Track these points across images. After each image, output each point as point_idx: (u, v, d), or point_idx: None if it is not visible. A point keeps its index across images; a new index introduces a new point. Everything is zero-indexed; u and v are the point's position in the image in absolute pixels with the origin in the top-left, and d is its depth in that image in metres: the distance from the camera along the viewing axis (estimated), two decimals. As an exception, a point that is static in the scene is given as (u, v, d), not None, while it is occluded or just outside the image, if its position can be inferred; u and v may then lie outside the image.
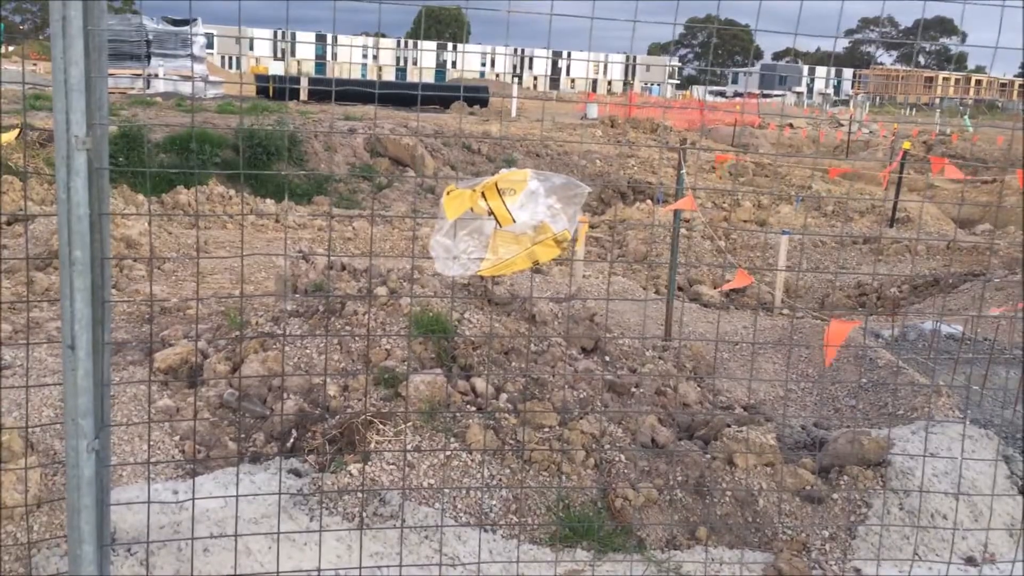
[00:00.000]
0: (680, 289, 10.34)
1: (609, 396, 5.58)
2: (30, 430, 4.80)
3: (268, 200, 14.85)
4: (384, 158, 19.30)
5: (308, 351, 5.65)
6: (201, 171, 14.51)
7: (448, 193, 2.67)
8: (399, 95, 37.31)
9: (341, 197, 16.83)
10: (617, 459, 4.95)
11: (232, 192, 14.39)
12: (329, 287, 6.16)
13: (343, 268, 6.59)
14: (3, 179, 12.65)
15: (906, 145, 16.44)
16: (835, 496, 4.82)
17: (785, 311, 9.93)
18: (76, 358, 2.40)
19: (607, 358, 5.98)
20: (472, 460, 4.86)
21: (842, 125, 40.42)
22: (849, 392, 6.49)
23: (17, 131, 14.57)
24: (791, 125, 40.08)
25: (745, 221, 15.57)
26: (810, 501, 4.81)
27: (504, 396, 5.32)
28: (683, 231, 11.56)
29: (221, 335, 6.28)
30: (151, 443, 4.96)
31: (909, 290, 10.09)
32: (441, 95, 38.14)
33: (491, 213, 2.69)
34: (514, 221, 2.67)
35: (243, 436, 5.15)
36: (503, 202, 2.66)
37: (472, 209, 2.70)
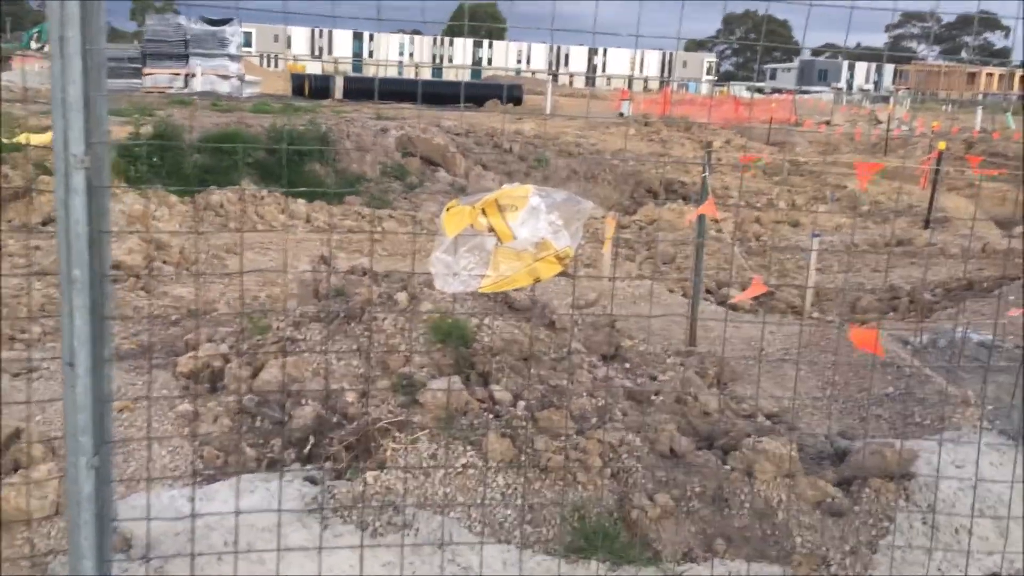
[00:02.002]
0: (709, 292, 10.25)
1: (628, 404, 5.54)
2: (52, 437, 4.87)
3: (299, 201, 14.93)
4: (415, 158, 19.35)
5: (327, 356, 5.66)
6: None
7: (448, 210, 2.65)
8: (433, 92, 37.41)
9: (372, 197, 16.89)
10: (634, 469, 4.91)
11: (264, 192, 14.50)
12: (349, 292, 6.18)
13: (364, 273, 6.61)
14: (39, 179, 12.86)
15: (941, 145, 16.15)
16: (856, 509, 4.73)
17: (815, 314, 9.80)
18: (75, 375, 2.41)
19: (627, 365, 5.93)
20: (488, 468, 4.84)
21: (880, 123, 39.85)
22: (875, 401, 6.38)
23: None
24: (828, 122, 39.61)
25: (778, 222, 15.39)
26: (831, 514, 4.73)
27: (522, 404, 5.30)
28: (713, 233, 11.46)
29: (244, 338, 6.32)
30: (172, 448, 5.01)
31: (942, 294, 9.91)
32: (475, 94, 38.19)
33: (492, 230, 2.67)
34: (515, 238, 2.65)
35: (261, 442, 5.18)
36: (504, 219, 2.63)
37: (473, 226, 2.68)
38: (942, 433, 5.55)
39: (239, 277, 8.99)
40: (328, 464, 4.92)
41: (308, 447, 5.08)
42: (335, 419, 5.20)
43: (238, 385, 5.58)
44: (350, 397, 5.32)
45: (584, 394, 5.46)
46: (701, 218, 7.29)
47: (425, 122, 21.24)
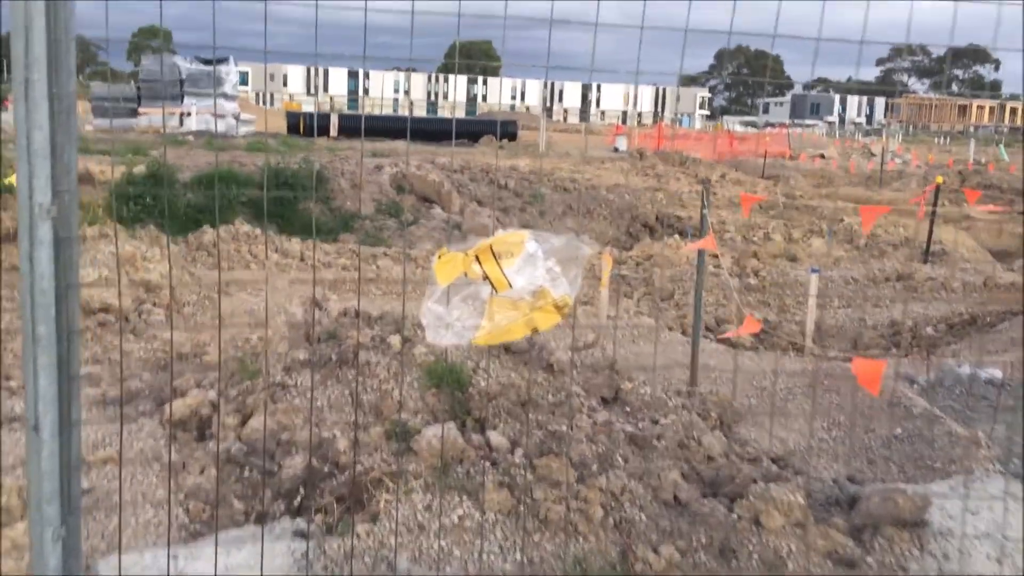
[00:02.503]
0: (708, 329, 10.10)
1: (630, 449, 5.36)
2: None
3: (294, 239, 14.80)
4: (410, 195, 19.27)
5: (318, 403, 5.49)
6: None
7: (439, 257, 2.50)
8: (428, 130, 37.52)
9: (367, 234, 16.78)
10: (637, 518, 4.73)
11: (258, 231, 14.37)
12: (342, 336, 6.02)
13: (357, 315, 6.45)
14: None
15: (939, 179, 16.11)
16: (869, 559, 4.55)
17: (815, 351, 9.65)
18: (40, 440, 2.25)
19: (628, 408, 5.76)
20: (485, 520, 4.66)
21: (874, 155, 39.96)
22: (883, 442, 6.21)
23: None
24: (822, 155, 39.71)
25: (775, 256, 15.28)
26: (842, 565, 4.54)
27: (520, 451, 5.13)
28: (711, 268, 11.33)
29: (233, 383, 6.15)
30: (156, 502, 4.82)
31: (945, 329, 9.77)
32: (470, 130, 38.28)
33: (486, 278, 2.52)
34: (511, 286, 2.51)
35: (250, 493, 4.99)
36: (499, 266, 2.49)
37: (466, 274, 2.54)
38: (953, 477, 5.38)
39: (229, 319, 8.83)
40: (319, 517, 4.73)
41: (298, 499, 4.89)
42: (326, 468, 5.02)
43: (226, 433, 5.40)
44: (341, 445, 5.14)
45: (584, 440, 5.29)
46: (701, 253, 7.16)
47: (419, 159, 21.20)
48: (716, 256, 11.61)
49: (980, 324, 9.72)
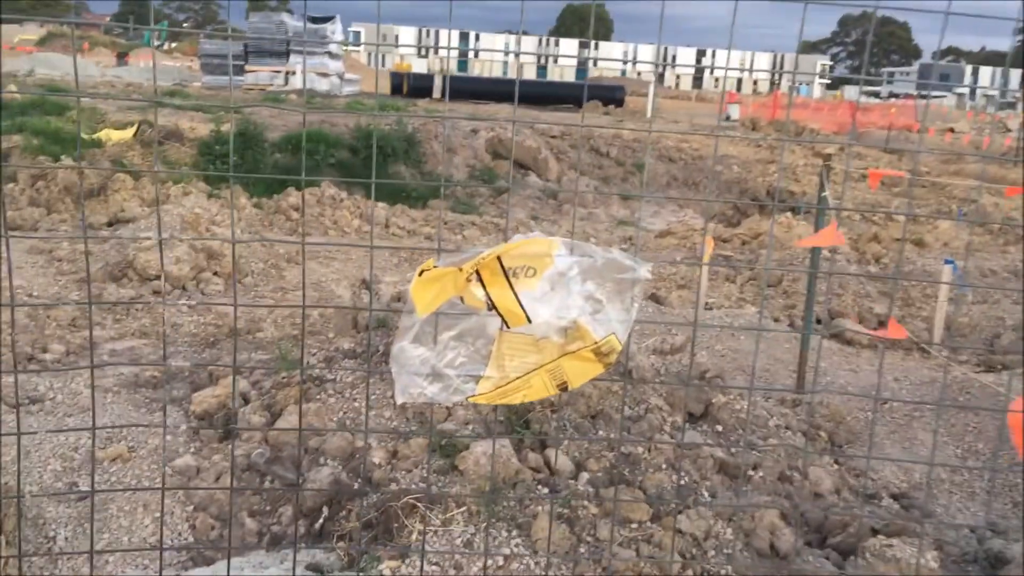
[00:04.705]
0: (818, 322, 8.99)
1: (718, 480, 4.46)
2: (22, 492, 4.10)
3: (380, 204, 14.17)
4: (506, 160, 18.45)
5: (356, 403, 4.76)
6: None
7: (420, 275, 1.67)
8: (532, 94, 36.56)
9: (458, 201, 16.05)
10: (724, 573, 3.85)
11: (344, 195, 13.79)
12: (392, 324, 5.27)
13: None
14: (114, 177, 12.40)
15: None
16: (1021, 649, 3.57)
17: (944, 353, 8.45)
18: None
19: (719, 428, 4.84)
20: (537, 563, 3.85)
21: (1010, 131, 37.10)
22: (1033, 480, 5.12)
23: (135, 128, 14.44)
24: (951, 129, 37.08)
25: (898, 239, 13.89)
26: (985, 654, 3.59)
27: (585, 476, 4.29)
28: (825, 253, 10.16)
29: (271, 372, 5.48)
30: (158, 515, 4.17)
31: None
32: (575, 95, 37.16)
33: (492, 306, 1.68)
34: (529, 320, 1.66)
35: (268, 508, 4.31)
36: (512, 288, 1.65)
37: (462, 299, 1.70)
38: None
39: (293, 292, 8.22)
40: (341, 545, 4.01)
41: (321, 520, 4.18)
42: (356, 484, 4.29)
43: (251, 433, 4.73)
44: (377, 457, 4.40)
45: (664, 466, 4.41)
46: (815, 250, 6.14)
47: (519, 123, 20.33)
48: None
49: None
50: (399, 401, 1.81)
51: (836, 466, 5.10)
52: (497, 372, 1.75)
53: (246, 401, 5.09)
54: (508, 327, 1.74)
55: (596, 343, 1.74)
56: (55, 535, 3.96)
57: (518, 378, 1.75)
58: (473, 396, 1.78)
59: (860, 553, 3.92)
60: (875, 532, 4.19)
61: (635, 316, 1.78)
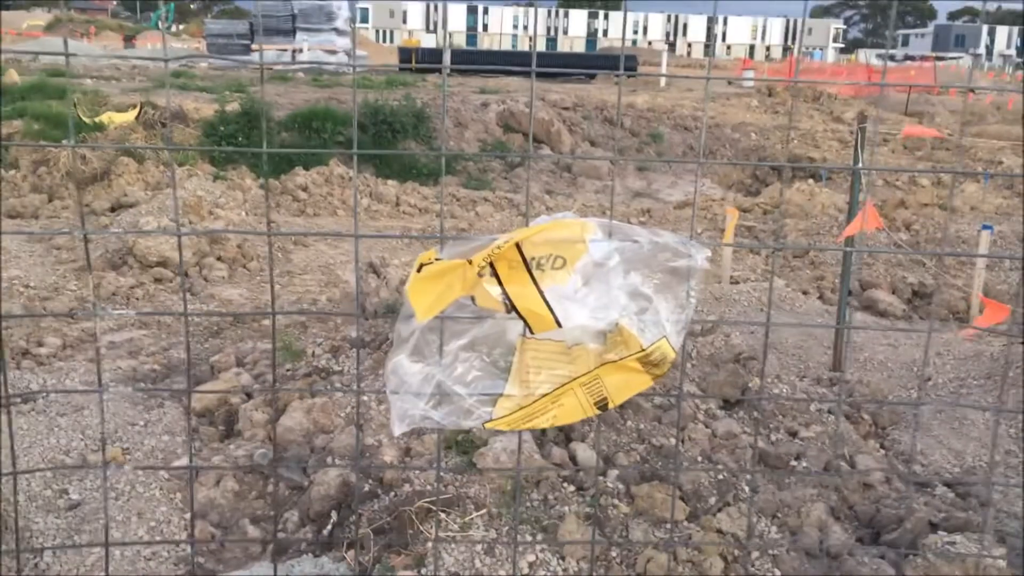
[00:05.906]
0: (850, 293, 8.59)
1: (760, 472, 4.12)
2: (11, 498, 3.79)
3: (390, 182, 13.80)
4: (518, 134, 18.03)
5: (365, 398, 4.43)
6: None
7: (419, 270, 1.32)
8: (541, 65, 35.96)
9: (470, 177, 15.66)
10: (770, 574, 3.51)
11: (352, 173, 13.42)
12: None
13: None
14: (118, 160, 12.07)
15: None
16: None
17: (979, 327, 8.03)
18: None
19: (757, 415, 4.49)
20: (564, 569, 3.53)
21: (1033, 90, 36.24)
22: (1097, 463, 4.75)
23: (136, 110, 14.10)
24: (972, 90, 36.28)
25: (926, 204, 13.43)
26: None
27: (614, 472, 3.96)
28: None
29: (278, 363, 5.16)
30: (154, 524, 3.86)
31: None
32: (585, 65, 36.55)
33: (511, 307, 1.32)
34: (558, 323, 1.30)
35: (272, 514, 3.99)
36: (536, 284, 1.29)
37: (472, 299, 1.35)
38: None
39: (299, 276, 7.88)
40: (350, 554, 3.69)
41: (329, 526, 3.86)
42: (367, 486, 3.97)
43: (254, 432, 4.41)
44: (388, 455, 4.07)
45: (699, 458, 4.07)
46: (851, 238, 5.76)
47: (528, 96, 19.84)
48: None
49: None
50: (397, 431, 1.46)
51: (882, 450, 4.75)
52: (520, 389, 1.40)
53: (248, 396, 4.77)
54: (532, 333, 1.39)
55: (643, 350, 1.38)
56: (41, 545, 3.66)
57: (546, 395, 1.40)
58: (491, 422, 1.43)
59: (919, 549, 3.58)
60: (933, 526, 3.84)
61: (691, 315, 1.43)
